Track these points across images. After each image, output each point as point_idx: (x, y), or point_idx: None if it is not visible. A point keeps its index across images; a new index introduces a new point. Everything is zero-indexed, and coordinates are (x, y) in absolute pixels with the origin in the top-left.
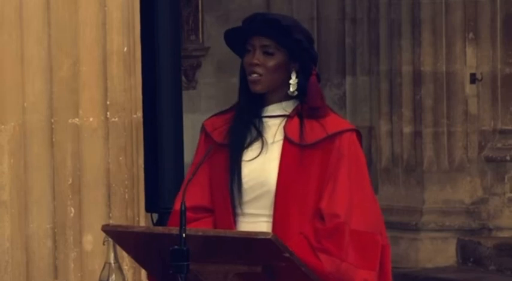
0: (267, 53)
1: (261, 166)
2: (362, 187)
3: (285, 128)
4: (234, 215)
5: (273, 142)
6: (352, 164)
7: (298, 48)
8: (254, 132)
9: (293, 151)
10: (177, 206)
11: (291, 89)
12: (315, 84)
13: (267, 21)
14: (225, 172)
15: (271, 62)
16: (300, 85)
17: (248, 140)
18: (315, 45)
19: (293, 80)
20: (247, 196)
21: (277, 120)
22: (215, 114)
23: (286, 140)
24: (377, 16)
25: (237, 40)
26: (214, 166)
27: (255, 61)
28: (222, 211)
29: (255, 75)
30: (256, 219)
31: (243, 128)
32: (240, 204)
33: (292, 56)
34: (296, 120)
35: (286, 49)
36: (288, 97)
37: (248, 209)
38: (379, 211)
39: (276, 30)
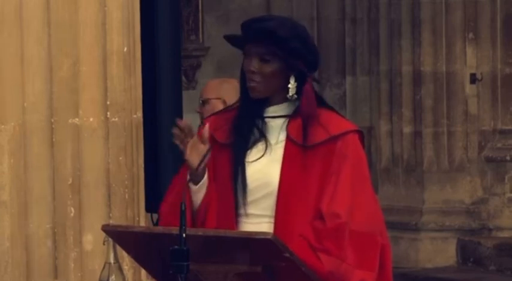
0: (263, 60)
1: (265, 167)
2: (363, 188)
3: (287, 128)
4: (237, 216)
5: (276, 143)
6: (354, 165)
7: (293, 57)
8: (257, 133)
9: (296, 151)
10: (163, 207)
11: (290, 93)
12: (309, 92)
13: (263, 30)
14: (228, 173)
15: (267, 69)
16: (299, 89)
17: (251, 140)
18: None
19: (292, 85)
20: (251, 197)
21: (279, 121)
22: (216, 113)
23: (289, 140)
24: (377, 16)
25: (238, 43)
26: (217, 165)
27: (252, 68)
28: (225, 211)
29: (253, 82)
30: (259, 220)
31: (246, 128)
32: (244, 205)
33: (289, 63)
34: (299, 121)
35: (282, 57)
36: (289, 98)
37: (251, 210)
38: (379, 212)
39: (271, 40)
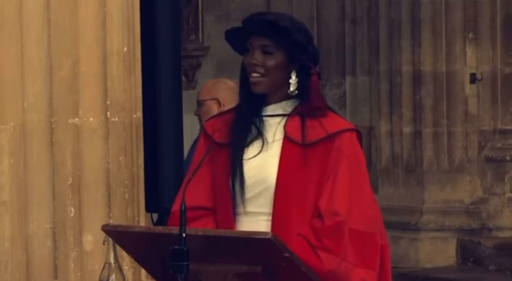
0: (266, 53)
1: (261, 164)
2: (361, 187)
3: (285, 127)
4: (235, 214)
5: (273, 141)
6: (351, 163)
7: (296, 48)
8: (254, 131)
9: (293, 149)
10: (175, 207)
11: (291, 89)
12: (316, 84)
13: (265, 22)
14: (226, 171)
15: (270, 62)
16: (300, 84)
17: (249, 138)
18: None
19: (293, 80)
20: (247, 194)
21: (277, 119)
22: (216, 115)
23: (286, 138)
24: (377, 16)
25: (238, 39)
26: (216, 165)
27: (254, 61)
28: (223, 209)
29: (256, 74)
30: (256, 218)
31: (244, 127)
32: (242, 202)
33: (291, 56)
34: (296, 119)
35: (285, 49)
36: (288, 97)
37: (249, 207)
38: (378, 211)
39: (274, 31)
